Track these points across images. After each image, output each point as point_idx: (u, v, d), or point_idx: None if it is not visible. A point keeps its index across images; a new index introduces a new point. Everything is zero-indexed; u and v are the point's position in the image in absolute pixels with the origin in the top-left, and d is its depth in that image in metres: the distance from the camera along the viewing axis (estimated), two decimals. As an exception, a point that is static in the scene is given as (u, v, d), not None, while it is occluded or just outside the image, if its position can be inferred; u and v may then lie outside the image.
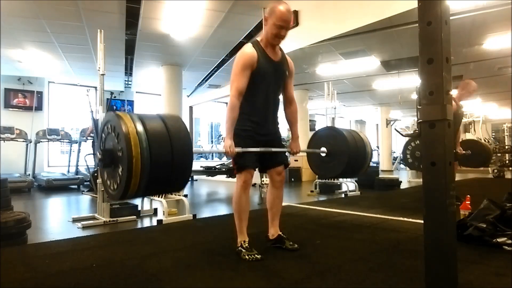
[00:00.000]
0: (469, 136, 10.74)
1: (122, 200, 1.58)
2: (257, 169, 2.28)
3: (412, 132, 7.75)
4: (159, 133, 1.59)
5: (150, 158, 1.50)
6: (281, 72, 2.23)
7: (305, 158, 2.73)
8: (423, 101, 1.18)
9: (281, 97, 2.36)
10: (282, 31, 2.07)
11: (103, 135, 1.72)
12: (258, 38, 2.19)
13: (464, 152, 4.12)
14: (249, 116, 2.13)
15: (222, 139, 10.66)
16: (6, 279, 1.83)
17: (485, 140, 10.17)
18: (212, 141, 12.69)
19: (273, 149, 2.21)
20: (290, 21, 2.07)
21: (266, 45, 2.15)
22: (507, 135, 11.80)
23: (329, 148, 2.60)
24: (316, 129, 13.58)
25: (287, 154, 2.40)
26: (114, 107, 9.72)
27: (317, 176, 6.28)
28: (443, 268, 1.14)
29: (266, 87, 2.15)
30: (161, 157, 1.55)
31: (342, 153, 2.54)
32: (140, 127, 1.54)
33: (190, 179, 9.06)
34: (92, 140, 7.20)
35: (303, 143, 2.48)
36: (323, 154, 2.62)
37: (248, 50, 2.09)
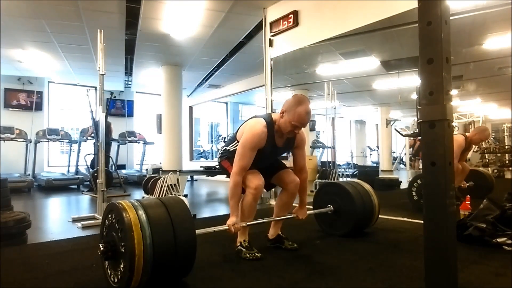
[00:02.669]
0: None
1: None
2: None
3: (411, 132, 7.76)
4: (163, 225, 1.58)
5: (153, 255, 1.49)
6: (281, 153, 2.32)
7: (305, 158, 2.73)
8: (423, 101, 1.18)
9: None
10: (297, 130, 2.07)
11: (106, 222, 1.71)
12: (274, 116, 2.15)
13: (467, 184, 4.16)
14: None
15: (222, 139, 10.69)
16: (6, 279, 1.83)
17: (485, 141, 10.17)
18: (212, 141, 12.69)
19: (279, 218, 2.32)
20: (306, 123, 2.05)
21: (278, 131, 2.13)
22: (507, 135, 11.79)
23: (336, 206, 2.63)
24: (317, 131, 13.48)
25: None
26: (114, 107, 9.72)
27: (317, 175, 6.29)
28: (443, 268, 1.14)
29: (261, 160, 2.15)
30: (165, 251, 1.54)
31: (349, 211, 2.56)
32: (144, 220, 1.53)
33: (190, 179, 9.07)
34: (92, 140, 7.22)
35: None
36: (330, 212, 2.65)
37: (261, 132, 2.06)
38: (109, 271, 1.66)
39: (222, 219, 3.65)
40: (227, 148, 2.25)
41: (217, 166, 5.00)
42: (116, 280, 1.59)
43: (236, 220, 2.00)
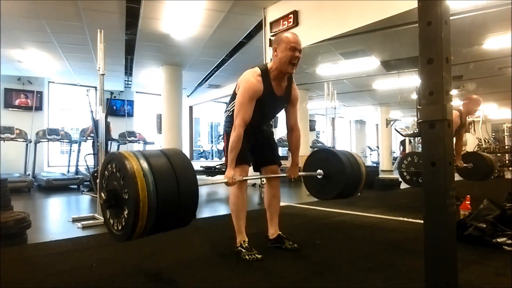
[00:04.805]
0: (469, 136, 10.74)
1: (128, 240, 1.54)
2: (251, 168, 2.31)
3: (411, 132, 7.77)
4: (166, 173, 1.55)
5: (157, 201, 1.48)
6: (281, 105, 2.28)
7: (305, 158, 2.72)
8: (423, 101, 1.18)
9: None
10: (296, 53, 2.03)
11: (106, 173, 1.68)
12: (269, 65, 2.14)
13: (465, 165, 4.10)
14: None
15: (222, 139, 10.70)
16: (6, 279, 1.83)
17: (485, 140, 10.18)
18: (212, 141, 12.69)
19: (272, 175, 2.31)
20: (300, 43, 2.05)
21: (276, 76, 2.11)
22: (507, 135, 11.80)
23: (326, 170, 2.62)
24: (317, 131, 13.50)
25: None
26: (114, 107, 9.73)
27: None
28: (443, 268, 1.14)
29: (261, 115, 2.17)
30: (168, 198, 1.52)
31: (339, 175, 2.56)
32: (146, 168, 1.50)
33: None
34: (92, 140, 7.22)
35: (303, 144, 2.50)
36: (320, 176, 2.64)
37: (256, 81, 2.06)
38: (111, 220, 1.63)
39: (223, 219, 3.67)
40: (228, 109, 2.23)
41: (217, 166, 4.96)
42: (120, 228, 1.55)
43: (234, 174, 2.02)
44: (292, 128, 2.35)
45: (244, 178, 2.10)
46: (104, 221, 1.70)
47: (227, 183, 2.01)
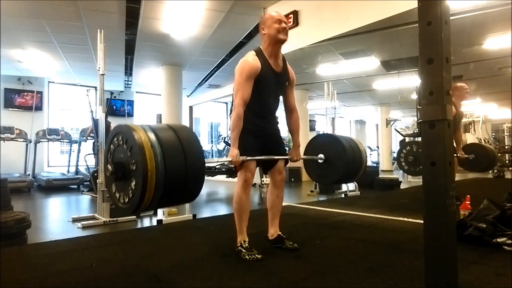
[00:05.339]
0: (469, 136, 10.75)
1: (136, 212, 1.53)
2: (257, 169, 2.30)
3: (411, 132, 7.77)
4: (173, 146, 1.55)
5: (164, 172, 1.47)
6: (282, 83, 2.27)
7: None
8: (423, 101, 1.18)
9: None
10: (282, 25, 2.11)
11: (111, 146, 1.67)
12: (261, 47, 2.20)
13: (466, 156, 4.08)
14: (252, 114, 2.14)
15: (222, 139, 10.68)
16: (6, 279, 1.83)
17: (485, 140, 10.17)
18: (212, 141, 12.69)
19: (276, 157, 2.25)
20: (284, 18, 2.14)
21: (270, 54, 2.16)
22: (507, 135, 11.80)
23: (327, 155, 2.62)
24: (317, 131, 13.54)
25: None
26: (114, 107, 9.73)
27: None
28: (443, 268, 1.14)
29: (267, 96, 2.18)
30: (176, 170, 1.52)
31: (340, 159, 2.56)
32: (154, 140, 1.50)
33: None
34: (92, 140, 7.22)
35: (303, 144, 2.49)
36: (321, 161, 2.64)
37: (252, 59, 2.11)
38: (117, 194, 1.62)
39: (223, 219, 3.67)
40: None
41: (217, 166, 4.92)
42: (127, 200, 1.55)
43: (237, 152, 2.02)
44: (291, 109, 2.36)
45: (248, 158, 2.07)
46: (110, 196, 1.69)
47: (231, 162, 2.02)
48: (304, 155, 2.64)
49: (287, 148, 2.49)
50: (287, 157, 2.35)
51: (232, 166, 2.07)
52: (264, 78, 2.11)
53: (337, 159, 2.56)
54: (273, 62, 2.18)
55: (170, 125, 1.69)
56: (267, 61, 2.15)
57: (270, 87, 2.18)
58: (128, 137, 1.53)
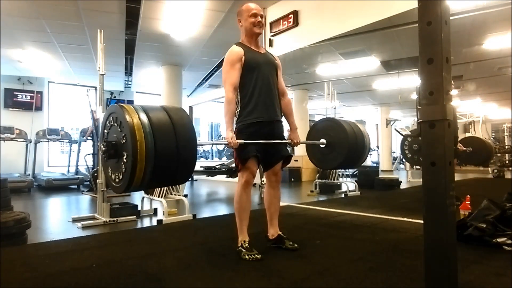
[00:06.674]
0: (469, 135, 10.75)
1: (127, 191, 1.56)
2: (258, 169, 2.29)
3: (411, 132, 7.76)
4: (163, 122, 1.60)
5: (154, 143, 1.50)
6: (271, 61, 2.30)
7: (305, 158, 2.72)
8: (423, 101, 1.18)
9: None
10: (257, 18, 2.19)
11: (105, 128, 1.72)
12: (241, 38, 2.30)
13: (465, 149, 4.09)
14: (251, 111, 2.14)
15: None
16: (6, 279, 1.83)
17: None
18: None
19: (274, 141, 2.22)
20: (259, 9, 2.21)
21: (250, 42, 2.26)
22: (507, 135, 11.80)
23: (329, 139, 2.60)
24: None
25: (288, 148, 2.40)
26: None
27: (317, 176, 6.29)
28: (443, 268, 1.14)
29: (260, 75, 2.19)
30: (166, 145, 1.55)
31: (341, 144, 2.53)
32: (143, 115, 1.55)
33: (190, 179, 9.06)
34: (92, 140, 7.23)
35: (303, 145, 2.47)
36: (323, 146, 2.61)
37: (233, 48, 2.20)
38: (113, 175, 1.66)
39: (223, 219, 3.67)
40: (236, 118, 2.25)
41: (217, 166, 4.94)
42: (120, 177, 1.57)
43: (232, 134, 2.05)
44: (283, 93, 2.38)
45: (244, 141, 2.06)
46: (106, 179, 1.74)
47: (227, 145, 2.03)
48: (306, 139, 2.64)
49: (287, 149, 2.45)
50: (287, 141, 2.35)
51: (233, 165, 2.07)
52: (251, 58, 2.17)
53: (339, 143, 2.54)
54: (255, 46, 2.27)
55: (162, 105, 1.74)
56: (248, 46, 2.23)
57: (260, 65, 2.20)
58: (118, 115, 1.59)
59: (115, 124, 1.61)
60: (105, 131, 1.72)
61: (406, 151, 4.08)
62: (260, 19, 2.20)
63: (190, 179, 9.07)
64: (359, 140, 2.58)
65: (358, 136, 2.59)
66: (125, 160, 1.52)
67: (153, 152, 1.49)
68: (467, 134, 10.77)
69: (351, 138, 2.51)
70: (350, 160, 2.61)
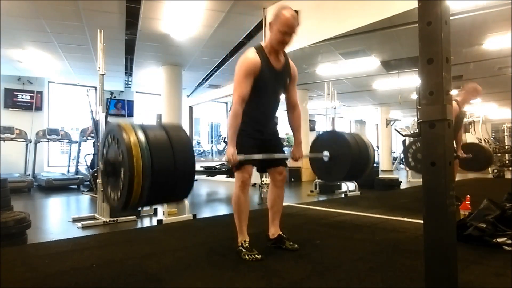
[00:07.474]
0: (469, 136, 10.75)
1: (126, 208, 1.56)
2: (255, 169, 2.29)
3: (411, 132, 7.76)
4: (161, 141, 1.60)
5: (151, 158, 1.50)
6: (283, 81, 2.24)
7: (305, 158, 2.72)
8: (423, 101, 1.18)
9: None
10: (286, 37, 2.04)
11: (104, 148, 1.73)
12: (263, 43, 2.17)
13: (465, 155, 4.11)
14: (250, 119, 2.13)
15: (222, 139, 10.68)
16: (6, 279, 1.83)
17: (485, 141, 10.17)
18: (212, 141, 12.69)
19: (276, 155, 2.22)
20: (295, 27, 2.04)
21: (270, 51, 2.13)
22: (507, 135, 11.80)
23: (332, 152, 2.61)
24: (317, 131, 13.57)
25: (288, 161, 2.40)
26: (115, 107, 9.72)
27: (317, 176, 6.29)
28: (443, 268, 1.14)
29: (266, 95, 2.16)
30: (163, 160, 1.55)
31: (345, 157, 2.54)
32: (140, 132, 1.55)
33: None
34: (92, 140, 7.22)
35: (303, 144, 2.47)
36: (326, 159, 2.63)
37: (252, 56, 2.07)
38: (112, 194, 1.67)
39: (223, 219, 3.67)
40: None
41: (217, 166, 4.93)
42: (119, 194, 1.58)
43: (234, 151, 1.99)
44: (293, 106, 2.33)
45: (245, 157, 2.03)
46: (106, 198, 1.74)
47: (228, 161, 2.00)
48: (309, 153, 2.64)
49: (286, 151, 2.46)
50: (286, 155, 2.34)
51: (230, 166, 2.06)
52: (264, 76, 2.08)
53: (342, 156, 2.55)
54: (274, 58, 2.14)
55: (161, 123, 1.77)
56: (267, 58, 2.11)
57: (269, 88, 2.15)
58: (115, 133, 1.59)
59: (113, 142, 1.63)
60: (104, 150, 1.73)
61: (410, 159, 4.09)
62: (289, 38, 2.06)
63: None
64: (362, 152, 2.59)
65: (361, 147, 2.59)
66: (122, 177, 1.53)
67: (150, 167, 1.50)
68: (467, 134, 10.78)
69: (354, 150, 2.53)
70: (354, 172, 2.62)
